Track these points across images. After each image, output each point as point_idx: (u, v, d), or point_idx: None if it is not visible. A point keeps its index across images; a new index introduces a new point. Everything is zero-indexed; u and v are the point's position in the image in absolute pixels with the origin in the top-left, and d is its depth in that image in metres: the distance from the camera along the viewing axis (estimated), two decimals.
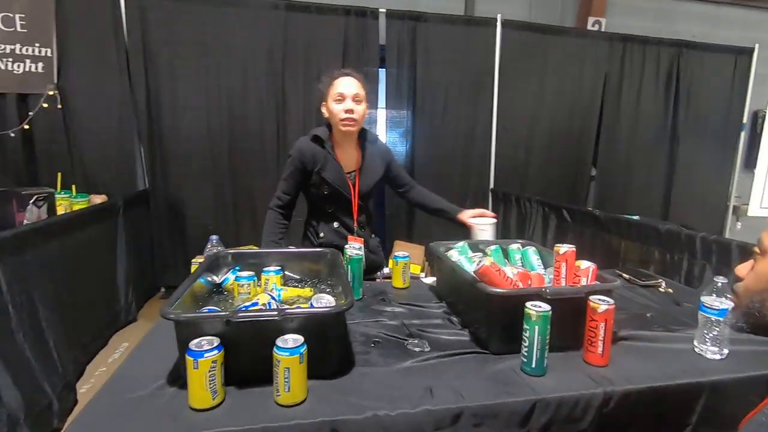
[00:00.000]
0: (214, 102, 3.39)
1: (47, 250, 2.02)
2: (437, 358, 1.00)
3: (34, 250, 1.93)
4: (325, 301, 0.97)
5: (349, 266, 1.35)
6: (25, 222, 1.95)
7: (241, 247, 3.48)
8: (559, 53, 3.98)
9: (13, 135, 3.16)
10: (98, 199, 2.78)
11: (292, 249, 1.43)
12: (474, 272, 1.03)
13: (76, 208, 2.59)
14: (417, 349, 1.05)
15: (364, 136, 1.72)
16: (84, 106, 3.28)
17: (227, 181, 3.50)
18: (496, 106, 3.89)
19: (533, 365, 0.93)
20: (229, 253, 1.30)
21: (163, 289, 3.58)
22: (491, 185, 4.00)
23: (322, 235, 1.70)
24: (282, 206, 1.71)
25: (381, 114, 3.91)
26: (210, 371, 0.78)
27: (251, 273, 1.21)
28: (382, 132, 3.88)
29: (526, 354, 0.94)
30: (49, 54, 3.21)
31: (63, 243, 2.17)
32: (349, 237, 1.65)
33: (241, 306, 0.99)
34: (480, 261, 1.02)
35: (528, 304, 0.94)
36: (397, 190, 1.88)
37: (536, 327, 0.91)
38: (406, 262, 1.49)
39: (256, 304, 0.99)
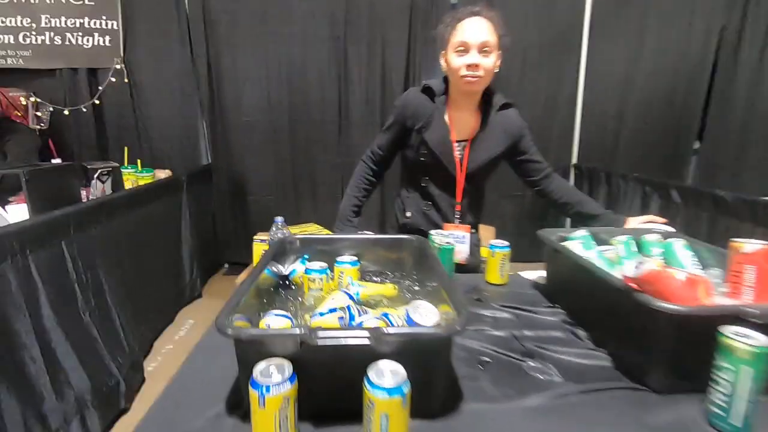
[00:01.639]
0: (274, 72, 3.22)
1: (112, 226, 1.96)
2: (576, 394, 0.73)
3: (99, 226, 1.87)
4: (425, 312, 0.73)
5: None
6: (90, 197, 1.90)
7: (302, 225, 3.37)
8: (663, 4, 3.37)
9: (85, 110, 3.21)
10: (163, 174, 2.74)
11: (369, 234, 1.21)
12: (633, 277, 0.73)
13: (141, 183, 2.56)
14: (542, 377, 0.79)
15: (489, 98, 1.35)
16: (149, 80, 3.26)
17: (287, 155, 3.36)
18: (584, 69, 3.39)
19: (735, 421, 0.63)
20: (297, 239, 1.10)
21: (226, 265, 3.57)
22: (574, 160, 3.54)
23: (408, 214, 1.43)
24: (374, 161, 1.46)
25: None
26: (281, 411, 0.57)
27: (323, 265, 1.00)
28: None
29: (722, 403, 0.64)
30: (115, 27, 3.19)
31: (127, 219, 2.12)
32: (446, 225, 1.38)
33: (316, 312, 0.78)
34: (641, 263, 0.73)
35: (726, 330, 0.64)
36: (526, 178, 1.46)
37: (745, 368, 0.61)
38: (505, 253, 1.21)
39: (334, 310, 0.77)
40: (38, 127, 3.00)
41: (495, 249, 1.21)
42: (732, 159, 3.66)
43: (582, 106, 3.44)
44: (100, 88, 3.20)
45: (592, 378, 0.78)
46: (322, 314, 0.76)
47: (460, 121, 1.35)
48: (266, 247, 3.24)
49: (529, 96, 3.43)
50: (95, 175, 1.92)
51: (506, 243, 1.22)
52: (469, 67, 1.22)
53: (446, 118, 1.34)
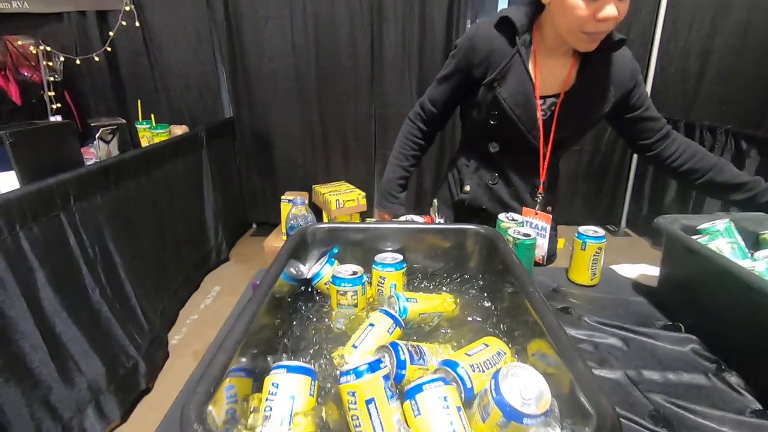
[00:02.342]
0: (297, 7, 2.82)
1: (121, 192, 1.76)
2: None
3: (106, 193, 1.66)
4: (527, 387, 0.44)
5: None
6: (93, 160, 1.69)
7: (332, 184, 3.11)
8: None
9: (97, 59, 2.95)
10: (179, 130, 2.49)
11: (418, 220, 0.91)
12: None
13: (157, 140, 2.33)
14: None
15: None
16: (161, 23, 2.94)
17: (315, 106, 3.03)
18: None
19: None
20: (323, 228, 0.82)
21: (254, 225, 3.40)
22: None
23: (467, 188, 1.10)
24: (424, 120, 1.11)
25: None
26: None
27: (356, 270, 0.72)
28: None
29: None
30: None
31: (140, 182, 1.91)
32: (525, 209, 1.04)
33: (344, 372, 0.50)
34: None
35: None
36: (638, 142, 1.05)
37: None
38: (600, 245, 0.89)
39: (377, 366, 0.50)
40: (51, 79, 2.79)
41: (587, 240, 0.89)
42: None
43: (659, 43, 2.87)
44: (110, 33, 2.91)
45: None
46: (358, 373, 0.49)
47: (548, 70, 0.96)
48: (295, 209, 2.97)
49: None
50: (98, 134, 1.68)
51: (601, 231, 0.90)
52: (600, 20, 0.80)
53: (530, 66, 0.96)
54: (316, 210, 3.12)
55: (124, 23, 2.89)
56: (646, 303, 0.85)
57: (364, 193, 2.82)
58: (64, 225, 1.43)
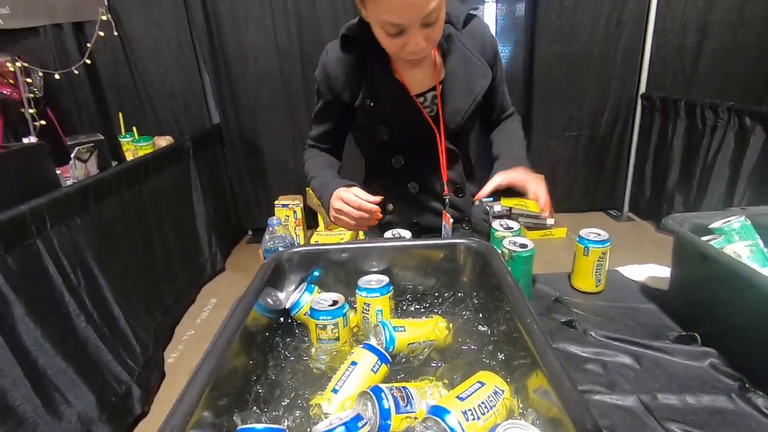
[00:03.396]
0: (278, 6, 2.73)
1: (103, 211, 1.69)
2: None
3: (85, 214, 1.59)
4: None
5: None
6: (70, 180, 1.62)
7: None
8: None
9: (77, 72, 2.88)
10: (163, 141, 2.42)
11: (404, 238, 0.84)
12: None
13: (141, 153, 2.26)
14: None
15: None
16: (139, 31, 2.86)
17: (303, 106, 2.95)
18: None
19: None
20: (300, 251, 0.75)
21: (249, 233, 3.33)
22: (642, 89, 2.94)
23: (390, 207, 1.00)
24: (322, 149, 1.04)
25: (489, 10, 2.96)
26: None
27: (336, 299, 0.66)
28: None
29: None
30: None
31: (122, 200, 1.84)
32: (445, 213, 0.96)
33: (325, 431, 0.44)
34: None
35: None
36: (483, 122, 1.05)
37: None
38: (604, 249, 0.82)
39: (359, 418, 0.43)
40: (31, 95, 2.72)
41: (589, 245, 0.82)
42: None
43: (655, 20, 2.77)
44: (88, 44, 2.83)
45: None
46: None
47: (415, 69, 0.89)
48: (289, 213, 2.86)
49: (588, 12, 2.80)
50: (74, 153, 1.61)
51: (604, 234, 0.83)
52: (411, 51, 0.77)
53: (394, 70, 0.89)
54: (311, 214, 3.06)
55: (101, 34, 2.80)
56: (657, 311, 0.79)
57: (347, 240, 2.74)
58: (42, 252, 1.36)
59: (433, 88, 0.91)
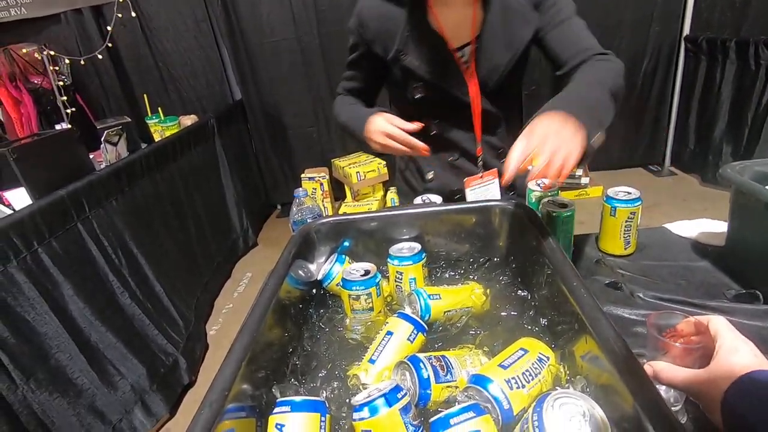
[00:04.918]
0: None
1: (136, 192, 1.73)
2: None
3: (121, 196, 1.64)
4: (573, 419, 0.36)
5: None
6: (103, 164, 1.66)
7: (349, 157, 3.00)
8: None
9: (101, 56, 2.91)
10: (188, 120, 2.43)
11: (435, 202, 0.81)
12: None
13: (168, 133, 2.28)
14: None
15: None
16: (156, 10, 2.84)
17: (322, 77, 2.89)
18: None
19: None
20: (329, 222, 0.74)
21: (279, 207, 3.37)
22: (686, 31, 2.70)
23: (430, 176, 0.96)
24: (355, 97, 0.98)
25: None
26: None
27: (368, 268, 0.64)
28: None
29: None
30: None
31: (154, 180, 1.88)
32: (467, 180, 0.90)
33: (357, 407, 0.43)
34: None
35: None
36: (556, 71, 0.83)
37: None
38: (634, 209, 0.76)
39: (394, 396, 0.42)
40: (61, 83, 2.78)
41: (616, 204, 0.76)
42: None
43: None
44: (108, 28, 2.84)
45: None
46: (373, 409, 0.41)
47: (452, 19, 0.82)
48: (316, 185, 2.85)
49: None
50: (104, 137, 1.64)
51: (635, 193, 0.76)
52: None
53: (431, 21, 0.82)
54: (338, 185, 3.05)
55: (119, 15, 2.81)
56: (712, 268, 0.73)
57: (384, 162, 2.70)
58: (83, 234, 1.42)
59: (468, 43, 0.84)
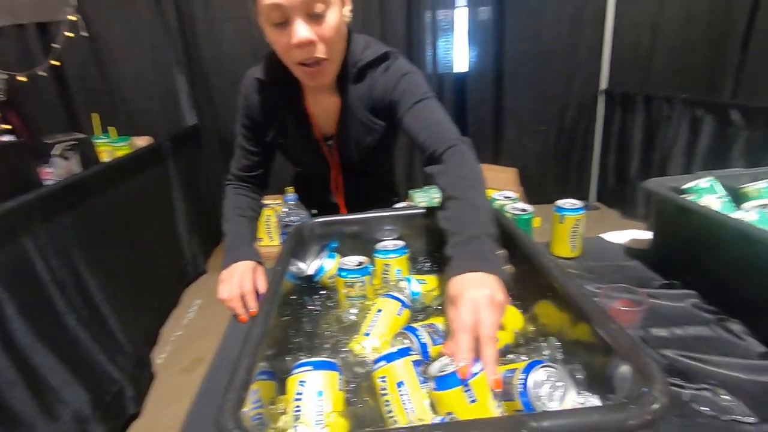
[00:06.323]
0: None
1: (87, 210, 1.66)
2: None
3: (71, 212, 1.56)
4: (552, 385, 0.44)
5: None
6: (51, 179, 1.58)
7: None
8: None
9: (44, 74, 2.77)
10: (142, 141, 2.38)
11: (414, 207, 0.90)
12: None
13: (119, 154, 2.21)
14: (716, 413, 0.52)
15: (346, 64, 0.83)
16: (111, 32, 2.81)
17: None
18: None
19: None
20: (320, 222, 0.80)
21: None
22: (603, 85, 3.14)
23: (314, 212, 1.06)
24: (244, 179, 0.99)
25: (461, 14, 3.08)
26: None
27: (362, 260, 0.71)
28: (463, 40, 3.06)
29: None
30: None
31: (107, 199, 1.80)
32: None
33: (377, 359, 0.49)
34: None
35: None
36: (416, 147, 0.81)
37: None
38: (579, 217, 0.90)
39: (406, 352, 0.49)
40: None
41: (564, 213, 0.90)
42: None
43: (614, 20, 2.97)
44: (53, 45, 2.74)
45: None
46: (389, 357, 0.47)
47: (322, 108, 0.88)
48: (270, 213, 2.86)
49: (553, 13, 2.97)
50: (56, 152, 1.57)
51: (579, 203, 0.91)
52: (299, 45, 0.70)
53: (307, 104, 0.88)
54: None
55: (71, 34, 2.73)
56: (641, 266, 0.88)
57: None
58: (29, 250, 1.34)
59: (332, 135, 0.92)
